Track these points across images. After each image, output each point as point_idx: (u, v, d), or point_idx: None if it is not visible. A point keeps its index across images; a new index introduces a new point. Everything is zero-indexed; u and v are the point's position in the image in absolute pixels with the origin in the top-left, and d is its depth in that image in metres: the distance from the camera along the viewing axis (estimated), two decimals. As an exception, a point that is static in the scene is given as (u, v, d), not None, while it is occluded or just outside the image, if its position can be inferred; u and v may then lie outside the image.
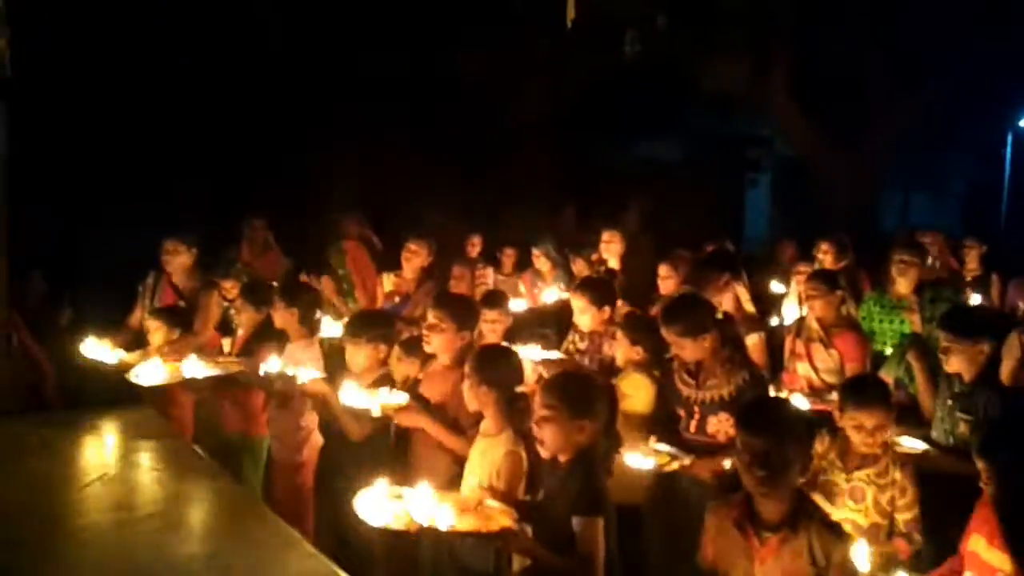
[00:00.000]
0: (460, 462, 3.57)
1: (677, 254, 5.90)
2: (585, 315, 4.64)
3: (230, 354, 4.91)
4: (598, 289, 4.76)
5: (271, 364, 4.12)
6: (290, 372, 4.09)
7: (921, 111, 10.50)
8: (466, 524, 2.73)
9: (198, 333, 5.07)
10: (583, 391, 3.02)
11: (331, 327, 5.31)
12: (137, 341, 5.12)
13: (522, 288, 7.16)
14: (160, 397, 4.99)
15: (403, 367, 4.45)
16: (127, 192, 8.73)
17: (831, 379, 4.74)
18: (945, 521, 3.28)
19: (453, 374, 3.76)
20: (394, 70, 10.53)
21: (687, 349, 3.84)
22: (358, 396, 3.74)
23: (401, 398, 3.73)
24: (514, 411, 3.39)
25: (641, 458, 3.63)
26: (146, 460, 3.74)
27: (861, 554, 2.91)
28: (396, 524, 2.82)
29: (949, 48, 10.02)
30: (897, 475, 3.28)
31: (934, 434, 3.79)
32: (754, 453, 2.52)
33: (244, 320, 4.86)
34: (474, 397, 3.37)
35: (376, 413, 3.68)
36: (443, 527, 2.70)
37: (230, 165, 9.61)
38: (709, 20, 9.62)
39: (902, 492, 3.27)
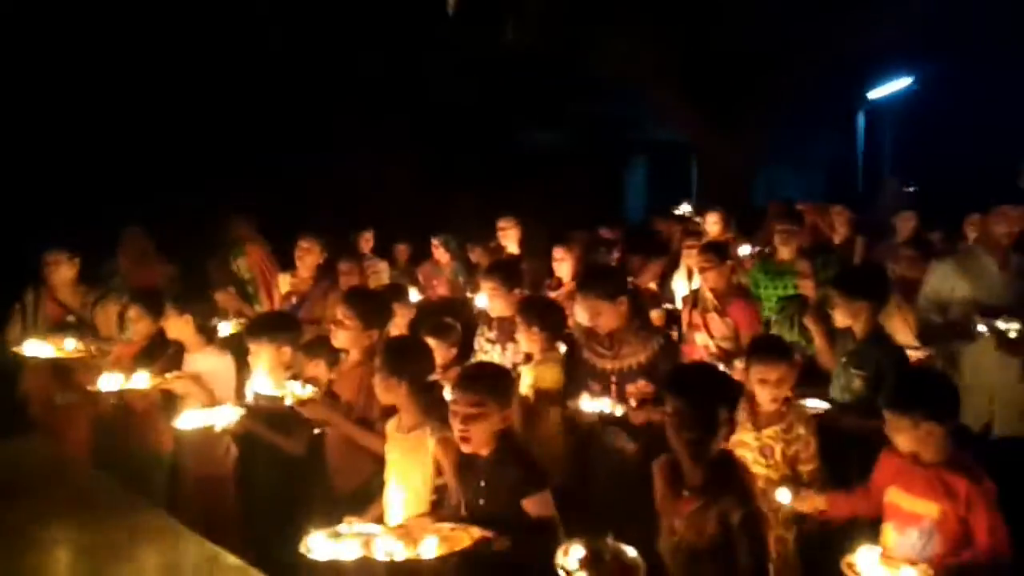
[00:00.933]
0: (378, 460, 3.55)
1: (570, 236, 6.01)
2: (496, 300, 4.63)
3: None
4: (506, 272, 4.77)
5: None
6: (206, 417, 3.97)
7: (791, 89, 11.00)
8: (441, 550, 2.72)
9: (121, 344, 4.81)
10: (503, 380, 3.07)
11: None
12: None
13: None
14: (55, 418, 4.80)
15: (310, 369, 4.39)
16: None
17: (727, 346, 4.94)
18: (845, 472, 3.50)
19: (362, 370, 3.74)
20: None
21: (604, 314, 3.92)
22: (268, 387, 3.71)
23: (310, 392, 3.70)
24: (431, 400, 3.40)
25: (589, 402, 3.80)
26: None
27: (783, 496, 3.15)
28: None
29: (808, 28, 10.62)
30: (801, 430, 3.46)
31: (832, 392, 4.00)
32: (682, 416, 2.63)
33: (139, 330, 4.65)
34: (386, 391, 3.36)
35: (288, 403, 3.64)
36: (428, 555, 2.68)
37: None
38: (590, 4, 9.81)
39: (806, 445, 3.46)
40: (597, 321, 3.97)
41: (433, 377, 3.54)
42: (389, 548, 2.72)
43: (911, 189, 13.70)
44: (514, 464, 2.92)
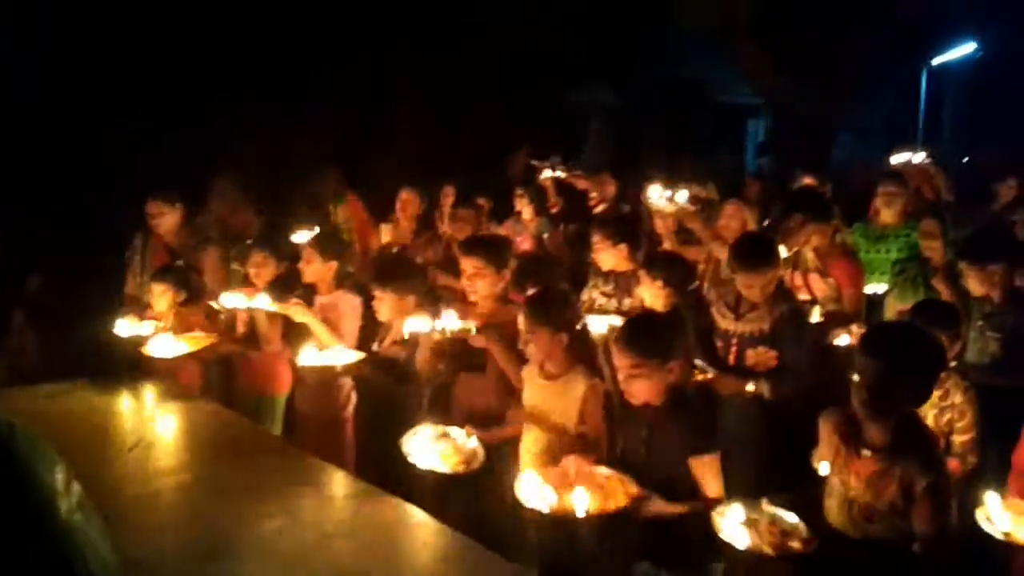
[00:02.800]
0: (502, 402, 3.59)
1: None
2: (605, 253, 4.61)
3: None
4: (615, 225, 4.74)
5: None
6: (327, 356, 4.04)
7: (864, 51, 10.83)
8: (592, 506, 2.65)
9: (212, 295, 4.87)
10: (661, 335, 2.99)
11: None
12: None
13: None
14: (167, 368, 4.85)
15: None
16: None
17: (830, 307, 4.89)
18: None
19: (505, 312, 3.74)
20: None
21: (755, 288, 3.92)
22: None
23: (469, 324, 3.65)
24: (580, 347, 3.39)
25: None
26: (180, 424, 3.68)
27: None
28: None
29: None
30: (957, 398, 3.39)
31: (968, 356, 3.95)
32: (864, 375, 2.57)
33: (262, 275, 4.69)
34: (536, 341, 3.33)
35: (446, 334, 3.59)
36: (580, 513, 2.62)
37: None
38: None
39: (961, 415, 3.39)
40: (749, 292, 3.95)
41: None
42: (542, 493, 2.68)
43: (965, 160, 13.53)
44: (684, 419, 2.90)
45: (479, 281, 3.85)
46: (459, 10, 10.75)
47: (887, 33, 10.88)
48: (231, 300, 4.34)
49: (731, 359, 4.00)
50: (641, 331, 3.02)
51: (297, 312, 4.30)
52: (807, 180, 6.67)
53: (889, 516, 2.62)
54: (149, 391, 4.04)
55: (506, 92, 11.17)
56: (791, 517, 2.65)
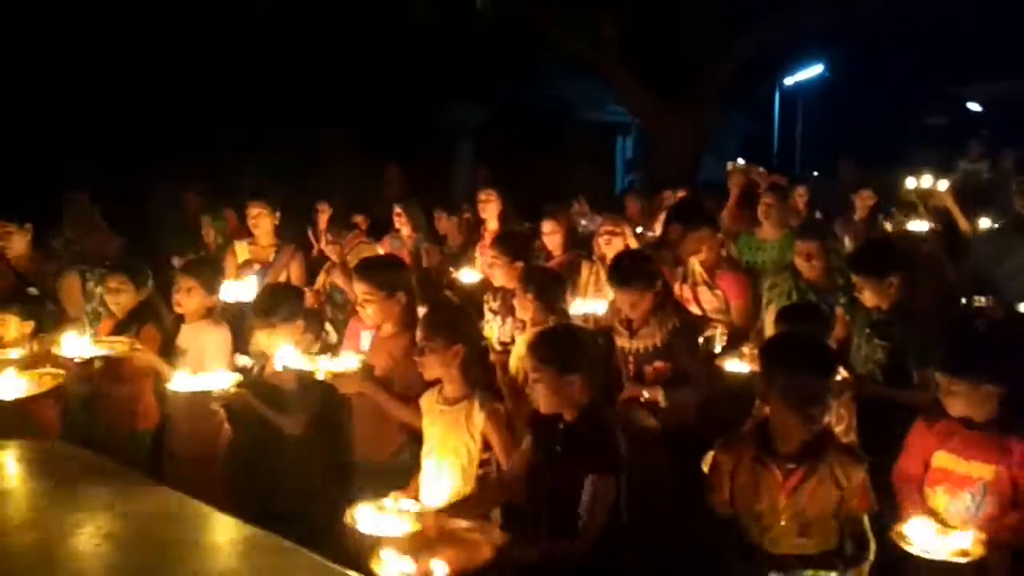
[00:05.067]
0: (406, 432, 3.45)
1: (554, 210, 5.88)
2: (498, 270, 4.54)
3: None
4: (511, 243, 4.67)
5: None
6: (202, 381, 3.74)
7: (730, 75, 11.26)
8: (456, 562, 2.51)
9: (71, 322, 4.44)
10: (566, 346, 2.96)
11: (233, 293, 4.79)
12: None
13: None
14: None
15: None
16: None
17: (718, 318, 4.93)
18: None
19: (397, 340, 3.59)
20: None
21: (627, 304, 3.92)
22: (298, 360, 3.50)
23: (346, 363, 3.50)
24: (478, 369, 3.29)
25: None
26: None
27: None
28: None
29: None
30: (833, 402, 3.37)
31: (854, 363, 4.01)
32: (809, 393, 2.60)
33: (122, 301, 4.32)
34: (435, 362, 3.20)
35: (320, 377, 3.45)
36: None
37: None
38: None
39: (839, 418, 3.45)
40: (632, 312, 3.94)
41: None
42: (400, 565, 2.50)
43: (815, 173, 14.27)
44: (595, 435, 2.84)
45: (369, 307, 3.67)
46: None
47: (742, 53, 11.30)
48: (72, 348, 3.86)
49: (630, 375, 3.96)
50: (543, 340, 3.02)
51: (139, 357, 4.01)
52: (680, 194, 6.77)
53: (824, 522, 2.65)
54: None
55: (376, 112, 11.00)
56: None
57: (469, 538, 2.65)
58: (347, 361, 3.53)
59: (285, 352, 3.50)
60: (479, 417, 3.14)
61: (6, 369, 3.78)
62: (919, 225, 6.20)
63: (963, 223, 6.08)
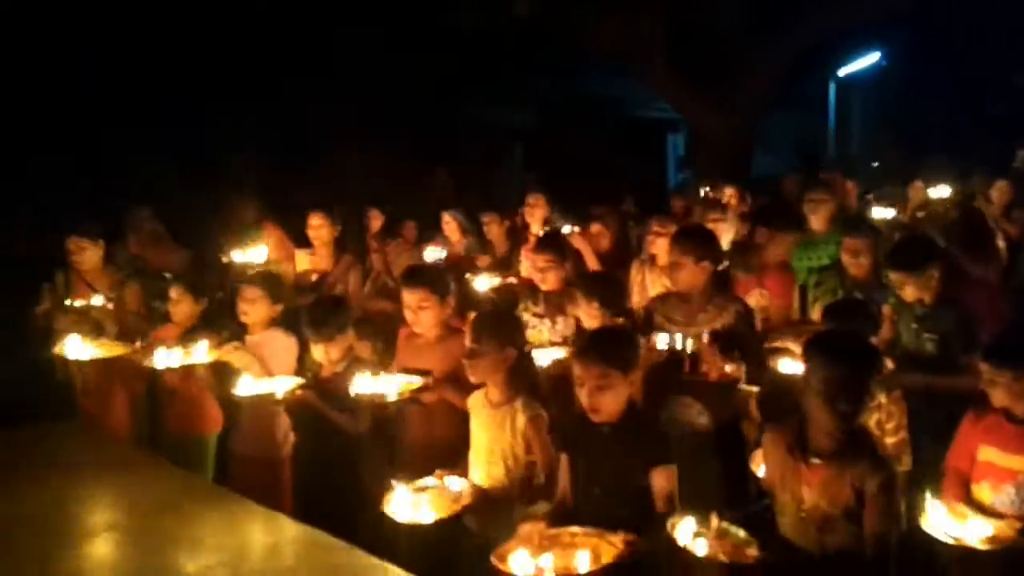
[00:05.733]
0: (457, 440, 3.49)
1: (599, 213, 5.96)
2: (549, 273, 4.50)
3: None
4: (561, 243, 4.71)
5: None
6: (265, 385, 3.91)
7: (778, 71, 11.12)
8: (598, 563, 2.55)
9: (134, 333, 4.67)
10: (624, 346, 2.99)
11: None
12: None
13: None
14: (93, 401, 4.64)
15: (360, 350, 4.30)
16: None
17: (762, 315, 4.94)
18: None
19: (451, 343, 3.68)
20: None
21: (686, 272, 3.82)
22: (371, 384, 3.58)
23: (415, 378, 3.60)
24: (523, 373, 3.37)
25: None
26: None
27: None
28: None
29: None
30: (883, 399, 3.46)
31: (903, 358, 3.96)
32: (839, 387, 2.60)
33: (181, 311, 4.53)
34: (481, 365, 3.29)
35: (392, 398, 3.53)
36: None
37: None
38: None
39: (889, 415, 3.47)
40: (677, 277, 3.85)
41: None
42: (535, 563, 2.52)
43: (875, 164, 14.01)
44: (641, 433, 2.88)
45: (423, 313, 3.76)
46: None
47: (793, 47, 11.17)
48: (165, 359, 4.10)
49: (686, 366, 3.83)
50: (606, 342, 3.00)
51: (236, 357, 4.18)
52: (728, 191, 6.76)
53: (843, 522, 2.64)
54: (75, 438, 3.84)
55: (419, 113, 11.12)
56: (740, 531, 2.63)
57: (589, 541, 2.63)
58: (404, 378, 3.62)
59: (359, 382, 3.59)
60: (522, 420, 3.24)
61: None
62: None
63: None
